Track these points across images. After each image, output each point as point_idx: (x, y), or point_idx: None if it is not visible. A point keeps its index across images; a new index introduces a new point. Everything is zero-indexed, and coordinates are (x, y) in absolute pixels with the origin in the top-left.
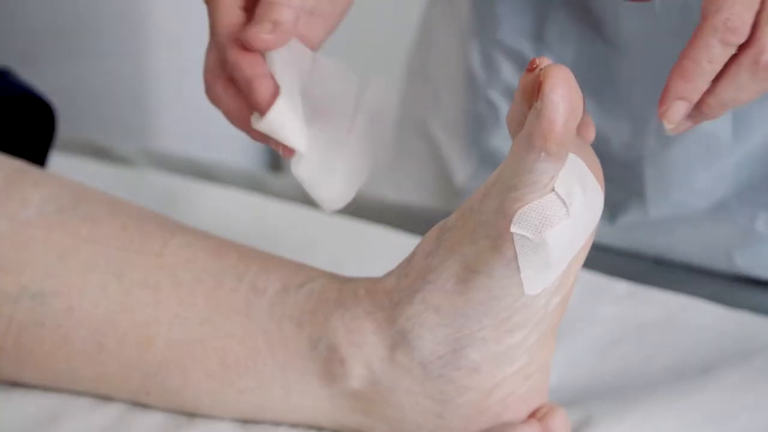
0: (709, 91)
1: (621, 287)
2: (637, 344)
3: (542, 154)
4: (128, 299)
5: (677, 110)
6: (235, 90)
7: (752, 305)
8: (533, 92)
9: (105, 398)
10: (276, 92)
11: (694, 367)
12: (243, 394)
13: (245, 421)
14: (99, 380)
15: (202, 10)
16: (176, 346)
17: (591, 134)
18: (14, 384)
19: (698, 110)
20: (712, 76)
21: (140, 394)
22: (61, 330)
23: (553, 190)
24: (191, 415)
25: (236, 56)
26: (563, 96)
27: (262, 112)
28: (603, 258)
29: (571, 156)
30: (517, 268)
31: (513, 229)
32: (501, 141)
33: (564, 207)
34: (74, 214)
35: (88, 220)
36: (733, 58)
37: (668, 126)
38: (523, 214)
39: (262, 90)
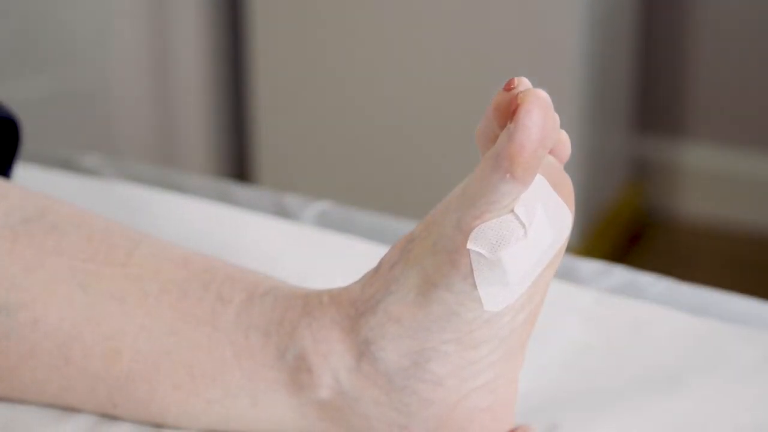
0: None
1: (588, 295)
2: (605, 352)
3: (507, 175)
4: (94, 311)
5: None
6: None
7: None
8: (506, 112)
9: (72, 410)
10: None
11: (662, 376)
12: (210, 405)
13: None
14: (65, 393)
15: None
16: (143, 358)
17: (565, 154)
18: None
19: None
20: None
21: (107, 406)
22: (26, 343)
23: (512, 211)
24: (159, 426)
25: None
26: (537, 122)
27: None
28: None
29: (538, 177)
30: (474, 284)
31: (469, 245)
32: None
33: (522, 228)
34: (39, 225)
35: (53, 231)
36: None
37: None
38: (480, 231)
39: None
